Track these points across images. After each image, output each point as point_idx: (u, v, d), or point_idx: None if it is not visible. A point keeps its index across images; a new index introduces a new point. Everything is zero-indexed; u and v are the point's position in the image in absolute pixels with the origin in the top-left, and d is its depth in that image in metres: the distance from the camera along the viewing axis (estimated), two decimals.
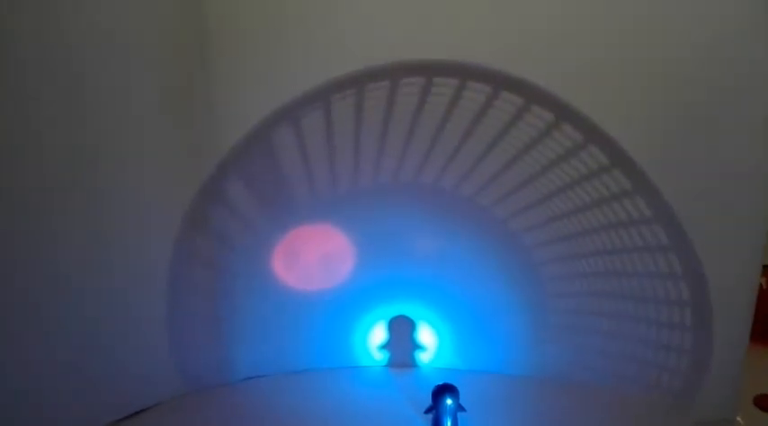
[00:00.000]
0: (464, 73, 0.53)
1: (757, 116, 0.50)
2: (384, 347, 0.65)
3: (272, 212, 0.60)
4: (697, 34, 0.50)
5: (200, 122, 0.54)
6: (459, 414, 0.47)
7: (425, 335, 0.65)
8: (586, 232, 0.57)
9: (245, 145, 0.56)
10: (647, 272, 0.55)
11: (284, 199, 0.60)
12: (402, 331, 0.65)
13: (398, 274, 0.63)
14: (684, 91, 0.51)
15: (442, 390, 0.47)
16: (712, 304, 0.52)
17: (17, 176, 0.42)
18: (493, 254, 0.62)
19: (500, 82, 0.53)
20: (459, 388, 0.48)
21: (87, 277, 0.47)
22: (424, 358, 0.65)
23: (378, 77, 0.54)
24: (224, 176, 0.56)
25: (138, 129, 0.50)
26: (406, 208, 0.61)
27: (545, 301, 0.61)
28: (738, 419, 0.50)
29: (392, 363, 0.65)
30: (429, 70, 0.54)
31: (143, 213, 0.51)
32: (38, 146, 0.43)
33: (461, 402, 0.47)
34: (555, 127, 0.54)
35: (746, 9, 0.49)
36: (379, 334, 0.65)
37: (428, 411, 0.48)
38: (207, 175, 0.56)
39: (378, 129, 0.57)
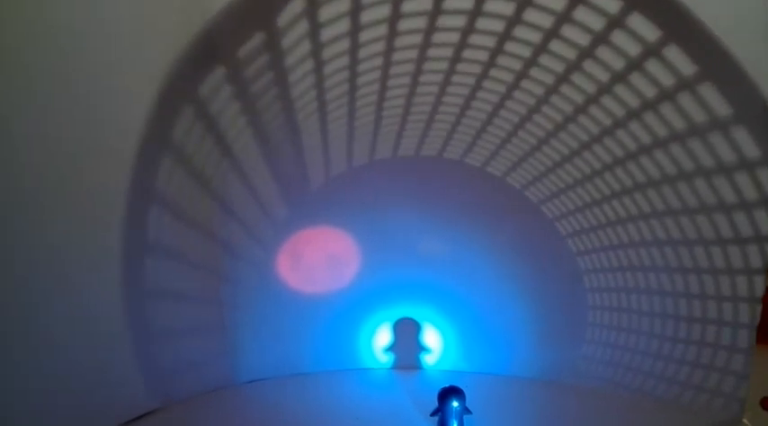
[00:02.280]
0: None
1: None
2: (389, 349, 0.65)
3: (278, 211, 0.60)
4: None
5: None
6: (465, 417, 0.47)
7: (431, 337, 0.65)
8: (592, 228, 0.57)
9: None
10: (653, 267, 0.54)
11: (289, 199, 0.60)
12: (407, 333, 0.65)
13: (403, 275, 0.64)
14: None
15: (448, 392, 0.47)
16: (718, 304, 0.52)
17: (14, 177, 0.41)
18: (499, 255, 0.61)
19: None
20: (465, 391, 0.47)
21: (87, 276, 0.47)
22: (429, 360, 0.65)
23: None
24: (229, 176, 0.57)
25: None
26: (412, 208, 0.61)
27: (552, 303, 0.61)
28: (745, 420, 0.50)
29: (397, 365, 0.66)
30: None
31: (143, 215, 0.51)
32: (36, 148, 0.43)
33: (467, 404, 0.47)
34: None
35: None
36: (384, 337, 0.65)
37: (434, 413, 0.48)
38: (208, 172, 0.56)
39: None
